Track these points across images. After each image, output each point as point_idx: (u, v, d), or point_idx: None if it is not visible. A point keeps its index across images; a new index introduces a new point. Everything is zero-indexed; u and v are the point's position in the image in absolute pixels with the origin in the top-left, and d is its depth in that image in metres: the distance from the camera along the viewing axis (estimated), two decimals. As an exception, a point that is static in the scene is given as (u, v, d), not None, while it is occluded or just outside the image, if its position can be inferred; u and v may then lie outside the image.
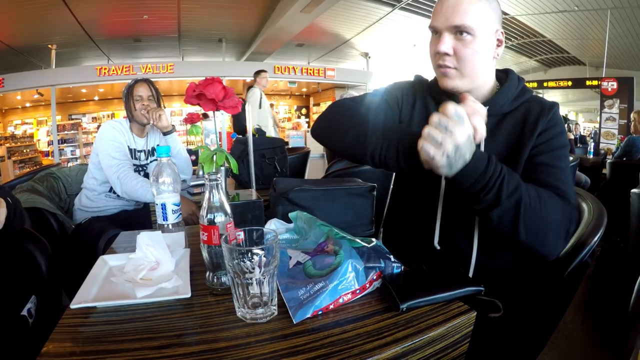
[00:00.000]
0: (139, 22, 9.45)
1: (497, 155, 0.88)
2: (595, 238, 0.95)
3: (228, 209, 0.74)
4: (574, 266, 0.92)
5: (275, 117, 5.83)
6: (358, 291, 0.68)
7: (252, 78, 5.04)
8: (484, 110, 0.77)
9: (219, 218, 0.73)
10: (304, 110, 17.54)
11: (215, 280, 0.73)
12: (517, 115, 0.97)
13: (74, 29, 9.20)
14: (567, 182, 0.88)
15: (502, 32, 0.95)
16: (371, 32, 11.11)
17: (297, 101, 17.76)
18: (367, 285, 0.70)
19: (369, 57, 13.43)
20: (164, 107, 2.01)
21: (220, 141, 1.06)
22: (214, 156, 0.79)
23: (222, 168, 0.87)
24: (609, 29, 8.60)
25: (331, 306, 0.65)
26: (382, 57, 13.44)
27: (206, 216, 0.73)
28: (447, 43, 0.91)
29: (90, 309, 0.66)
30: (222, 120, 1.01)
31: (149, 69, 10.78)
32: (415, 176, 0.81)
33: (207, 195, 0.73)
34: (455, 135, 0.70)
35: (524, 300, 0.98)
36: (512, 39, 11.83)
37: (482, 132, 0.76)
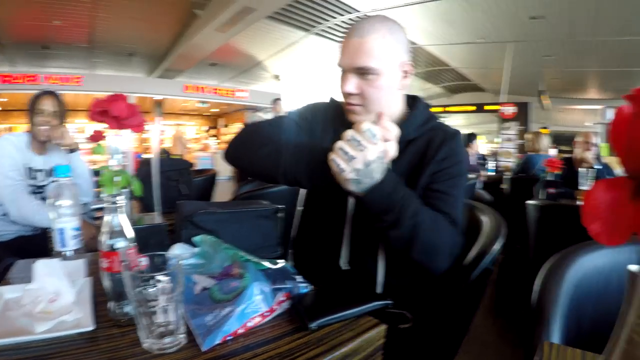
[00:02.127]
0: (48, 28, 8.72)
1: None
2: (496, 246, 1.03)
3: (130, 233, 0.70)
4: (477, 273, 0.99)
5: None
6: (267, 313, 0.67)
7: (160, 97, 4.83)
8: (397, 132, 0.81)
9: (120, 243, 0.69)
10: (213, 131, 17.18)
11: (118, 310, 0.68)
12: (420, 142, 1.01)
13: (-24, 30, 8.28)
14: (457, 209, 0.94)
15: (408, 63, 0.98)
16: (284, 55, 11.22)
17: (207, 121, 17.41)
18: (276, 307, 0.69)
19: (280, 80, 13.54)
20: (69, 123, 1.87)
21: (126, 162, 1.01)
22: (117, 177, 0.75)
23: (125, 190, 0.82)
24: (510, 60, 9.60)
25: (240, 330, 0.63)
26: (293, 80, 13.60)
27: (107, 241, 0.68)
28: (352, 83, 0.94)
29: None
30: (128, 139, 0.97)
31: (56, 79, 10.00)
32: (326, 193, 0.83)
33: (107, 219, 0.69)
34: (367, 152, 0.74)
35: (433, 309, 1.03)
36: (420, 67, 12.70)
37: (393, 154, 0.81)
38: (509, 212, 3.41)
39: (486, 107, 10.32)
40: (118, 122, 0.81)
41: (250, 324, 0.65)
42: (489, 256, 1.01)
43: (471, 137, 5.33)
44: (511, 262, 3.38)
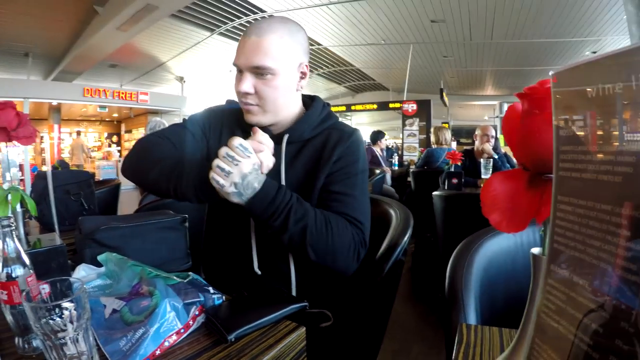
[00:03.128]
0: None
1: (296, 182, 0.97)
2: (405, 238, 1.08)
3: (27, 259, 0.64)
4: (390, 265, 1.03)
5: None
6: (182, 330, 0.65)
7: (57, 102, 4.42)
8: (270, 143, 0.84)
9: (18, 271, 0.62)
10: (115, 138, 16.12)
11: (26, 345, 0.62)
12: (317, 142, 1.03)
13: None
14: (359, 209, 0.97)
15: (306, 65, 1.00)
16: (188, 56, 10.87)
17: (108, 128, 16.33)
18: (191, 322, 0.67)
19: (184, 82, 13.09)
20: None
21: (22, 176, 0.91)
22: (8, 196, 0.68)
23: (18, 210, 0.75)
24: (411, 60, 10.20)
25: (157, 352, 0.60)
26: (198, 81, 13.22)
27: (3, 271, 0.62)
28: (248, 83, 0.94)
29: None
30: (22, 152, 0.87)
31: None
32: (226, 202, 0.84)
33: (0, 245, 0.63)
34: (241, 165, 0.77)
35: (352, 304, 1.06)
36: (324, 67, 13.01)
37: (268, 163, 0.84)
38: (417, 203, 3.65)
39: (390, 105, 10.84)
40: (6, 134, 0.73)
41: (167, 344, 0.62)
42: (400, 248, 1.05)
43: (379, 134, 5.58)
44: (423, 250, 3.62)
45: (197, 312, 0.69)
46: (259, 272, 1.01)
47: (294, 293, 1.01)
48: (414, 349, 2.14)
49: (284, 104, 1.00)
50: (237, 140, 0.78)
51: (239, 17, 8.82)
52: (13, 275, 0.62)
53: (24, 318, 0.62)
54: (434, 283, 3.02)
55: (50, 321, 0.52)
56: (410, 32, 9.33)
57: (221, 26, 9.17)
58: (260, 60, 0.91)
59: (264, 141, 0.83)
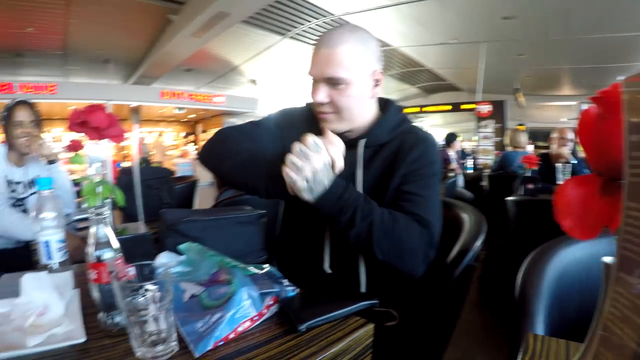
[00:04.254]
0: (22, 35, 8.49)
1: (372, 185, 0.98)
2: (477, 243, 1.05)
3: (116, 244, 0.71)
4: (460, 270, 1.00)
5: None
6: (256, 318, 0.68)
7: (136, 104, 4.80)
8: (340, 143, 0.86)
9: (108, 254, 0.69)
10: (191, 137, 17.05)
11: (109, 321, 0.68)
12: (392, 146, 1.03)
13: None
14: (429, 210, 0.95)
15: (380, 72, 1.00)
16: (260, 59, 11.18)
17: (185, 127, 17.27)
18: (265, 311, 0.70)
19: (257, 84, 13.51)
20: (45, 132, 1.84)
21: (105, 171, 1.00)
22: (98, 188, 0.75)
23: (108, 201, 0.82)
24: (484, 59, 9.78)
25: (231, 335, 0.64)
26: (270, 84, 13.56)
27: (94, 253, 0.68)
28: (322, 93, 0.96)
29: None
30: (106, 148, 0.96)
31: (30, 88, 9.73)
32: (297, 204, 0.87)
33: (93, 230, 0.69)
34: (313, 162, 0.80)
35: (419, 306, 1.05)
36: (395, 69, 12.79)
37: (340, 162, 0.85)
38: (490, 208, 3.48)
39: (463, 107, 10.45)
40: (98, 133, 0.80)
41: (240, 329, 0.66)
42: (471, 253, 1.03)
43: (453, 136, 5.41)
44: (495, 257, 3.44)
45: (271, 302, 0.72)
46: (329, 271, 1.03)
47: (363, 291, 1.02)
48: (477, 360, 2.05)
49: (359, 112, 1.01)
50: (310, 137, 0.81)
51: (308, 21, 8.98)
52: (103, 257, 0.69)
53: (109, 296, 0.67)
54: (504, 293, 2.86)
55: (135, 300, 0.57)
56: (481, 30, 8.95)
57: (291, 30, 9.39)
58: (333, 71, 0.93)
59: (335, 140, 0.86)
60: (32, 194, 1.81)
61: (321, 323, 0.68)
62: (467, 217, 1.18)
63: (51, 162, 1.76)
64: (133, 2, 7.43)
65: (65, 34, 8.67)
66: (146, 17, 8.13)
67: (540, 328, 0.76)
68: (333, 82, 0.95)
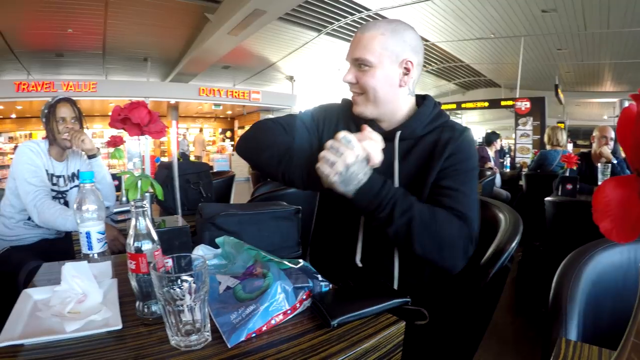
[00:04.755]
0: (62, 36, 8.90)
1: (409, 177, 0.99)
2: (513, 244, 1.02)
3: (155, 236, 0.73)
4: (495, 271, 0.98)
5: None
6: (289, 311, 0.69)
7: (175, 101, 4.95)
8: (378, 138, 0.88)
9: (147, 246, 0.71)
10: (228, 133, 17.38)
11: (146, 309, 0.71)
12: (429, 140, 1.04)
13: (-7, 38, 8.49)
14: (468, 205, 0.95)
15: (410, 62, 1.01)
16: (297, 56, 11.31)
17: (222, 124, 17.63)
18: (298, 305, 0.71)
19: (294, 81, 13.65)
20: (87, 129, 1.91)
21: (143, 165, 1.03)
22: (139, 182, 0.77)
23: (147, 194, 0.85)
24: (523, 54, 9.44)
25: (264, 328, 0.65)
26: (307, 80, 13.68)
27: (133, 244, 0.71)
28: (350, 74, 1.03)
29: (18, 347, 0.62)
30: (145, 143, 1.00)
31: (71, 86, 10.19)
32: (336, 197, 0.88)
33: (133, 222, 0.72)
34: (345, 156, 0.82)
35: (451, 306, 1.04)
36: (432, 64, 12.57)
37: (377, 157, 0.87)
38: (527, 209, 3.38)
39: (502, 103, 10.14)
40: (139, 129, 0.83)
41: (273, 322, 0.67)
42: (506, 254, 1.01)
43: (495, 136, 5.25)
44: (530, 260, 3.34)
45: (304, 297, 0.73)
46: (360, 265, 1.03)
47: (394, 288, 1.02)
48: (507, 364, 2.01)
49: (386, 97, 1.02)
50: (342, 133, 0.84)
51: (344, 17, 8.97)
52: (142, 248, 0.71)
53: (147, 286, 0.70)
54: (538, 296, 2.77)
55: (172, 290, 0.59)
56: (520, 24, 8.68)
57: (327, 26, 9.42)
58: (358, 52, 0.99)
59: (372, 136, 0.87)
60: (72, 188, 1.89)
61: (353, 319, 0.69)
62: (502, 217, 1.15)
63: (92, 156, 1.83)
64: (170, 1, 7.63)
65: (104, 34, 9.02)
66: (183, 16, 8.34)
67: (573, 333, 0.74)
68: (359, 64, 1.00)
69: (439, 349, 0.99)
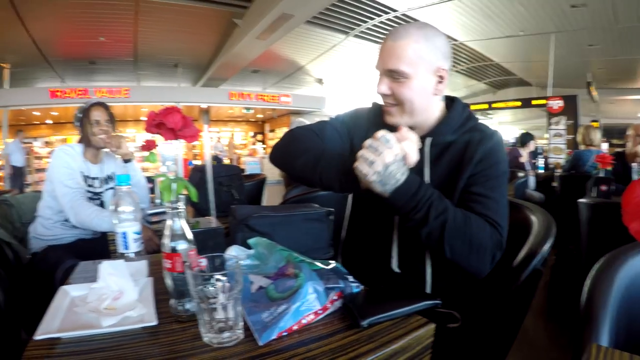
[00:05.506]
0: (95, 44, 9.26)
1: (439, 182, 0.98)
2: (546, 247, 1.01)
3: (190, 236, 0.75)
4: (527, 274, 0.97)
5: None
6: (320, 311, 0.70)
7: (206, 105, 5.09)
8: (414, 137, 0.87)
9: (182, 246, 0.73)
10: (259, 137, 17.65)
11: (180, 307, 0.73)
12: (459, 144, 1.02)
13: (28, 48, 8.93)
14: (498, 212, 0.94)
15: (444, 69, 0.99)
16: (325, 59, 11.38)
17: (253, 127, 17.90)
18: (329, 306, 0.72)
19: (323, 83, 13.71)
20: (119, 133, 1.97)
21: (176, 168, 1.06)
22: (173, 185, 0.80)
23: (182, 196, 0.87)
24: (553, 52, 9.19)
25: (295, 327, 0.66)
26: (336, 83, 13.70)
27: (169, 244, 0.73)
28: (384, 85, 1.00)
29: (55, 340, 0.65)
30: (178, 147, 1.03)
31: (104, 92, 10.55)
32: (372, 197, 0.87)
33: (169, 223, 0.74)
34: (384, 156, 0.81)
35: (482, 310, 1.03)
36: (462, 64, 12.37)
37: (413, 156, 0.86)
38: (561, 211, 3.28)
39: (533, 102, 9.87)
40: (173, 133, 0.85)
41: (304, 321, 0.68)
42: (539, 257, 0.99)
43: (529, 137, 5.12)
44: (564, 263, 3.24)
45: (335, 297, 0.73)
46: (398, 270, 1.03)
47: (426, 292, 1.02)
48: (537, 370, 1.95)
49: (421, 107, 1.01)
50: (381, 132, 0.83)
51: (371, 19, 8.96)
52: (177, 248, 0.73)
53: (181, 284, 0.72)
54: (571, 301, 2.68)
55: (206, 289, 0.61)
56: (549, 20, 8.47)
57: (355, 28, 9.43)
58: (394, 64, 0.96)
59: (409, 135, 0.86)
60: (107, 190, 1.96)
61: (383, 320, 0.69)
62: (535, 219, 1.13)
63: (127, 160, 1.89)
64: (198, 8, 7.82)
65: (135, 41, 9.32)
66: (212, 22, 8.53)
67: (604, 339, 0.72)
68: (394, 75, 0.97)
69: (468, 353, 0.98)
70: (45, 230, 1.84)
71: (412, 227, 0.90)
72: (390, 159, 0.82)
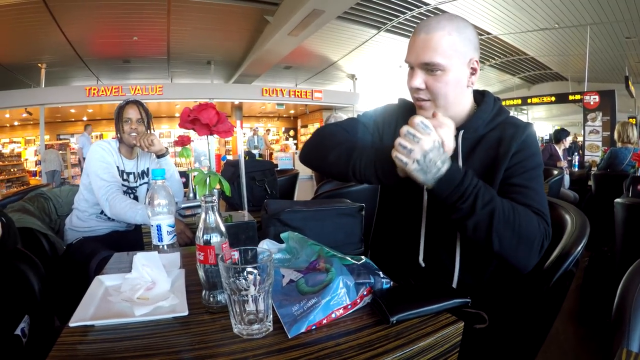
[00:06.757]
0: (128, 43, 9.53)
1: None
2: (579, 247, 0.98)
3: (223, 229, 0.77)
4: (559, 275, 0.95)
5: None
6: (349, 306, 0.71)
7: (239, 101, 5.15)
8: (450, 123, 0.84)
9: (215, 238, 0.75)
10: (292, 132, 17.79)
11: (211, 298, 0.75)
12: (492, 138, 1.01)
13: (64, 48, 9.28)
14: (540, 201, 0.92)
15: (476, 61, 0.98)
16: (357, 54, 11.30)
17: (285, 123, 18.04)
18: (358, 301, 0.72)
19: (356, 79, 13.66)
20: (153, 130, 2.03)
21: (209, 163, 1.09)
22: (207, 179, 0.82)
23: (215, 190, 0.89)
24: (589, 44, 8.84)
25: (324, 321, 0.67)
26: (369, 78, 13.62)
27: (202, 237, 0.75)
28: (419, 79, 0.96)
29: (88, 328, 0.68)
30: (211, 143, 1.05)
31: (138, 90, 10.84)
32: (400, 191, 0.86)
33: (203, 216, 0.76)
34: (422, 142, 0.78)
35: (511, 311, 1.01)
36: (496, 58, 12.06)
37: (449, 143, 0.83)
38: (595, 211, 3.18)
39: (569, 97, 9.52)
40: (208, 129, 0.87)
41: (333, 316, 0.68)
42: (571, 258, 0.96)
43: (564, 133, 4.96)
44: (597, 266, 3.14)
45: (365, 292, 0.74)
46: (423, 265, 1.03)
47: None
48: (566, 375, 1.90)
49: (455, 99, 1.00)
50: (418, 118, 0.80)
51: (403, 13, 8.86)
52: (211, 241, 0.75)
53: (214, 276, 0.74)
54: (603, 305, 2.59)
55: (238, 281, 0.62)
56: (585, 12, 8.14)
57: (387, 23, 9.35)
58: (429, 57, 0.93)
59: (446, 121, 0.84)
60: (142, 184, 2.02)
61: (412, 316, 0.69)
62: (569, 219, 1.10)
63: (161, 156, 1.94)
64: (229, 5, 7.92)
65: (168, 40, 9.53)
66: (243, 19, 8.62)
67: (635, 344, 0.70)
68: (429, 68, 0.95)
69: (496, 354, 0.97)
70: (81, 222, 1.91)
71: (458, 218, 0.86)
72: (429, 145, 0.78)
